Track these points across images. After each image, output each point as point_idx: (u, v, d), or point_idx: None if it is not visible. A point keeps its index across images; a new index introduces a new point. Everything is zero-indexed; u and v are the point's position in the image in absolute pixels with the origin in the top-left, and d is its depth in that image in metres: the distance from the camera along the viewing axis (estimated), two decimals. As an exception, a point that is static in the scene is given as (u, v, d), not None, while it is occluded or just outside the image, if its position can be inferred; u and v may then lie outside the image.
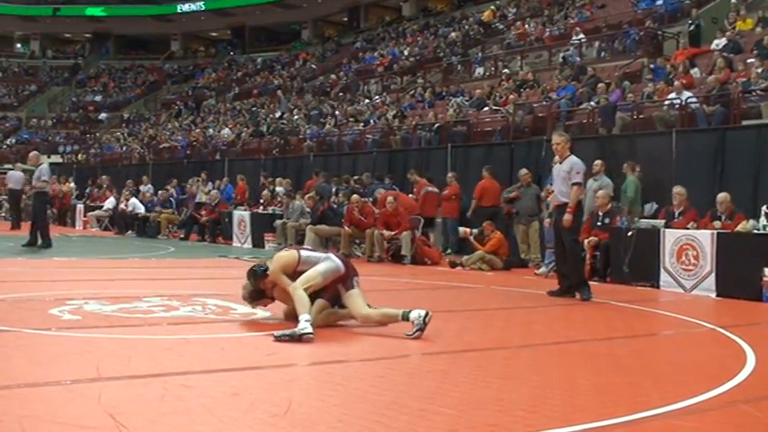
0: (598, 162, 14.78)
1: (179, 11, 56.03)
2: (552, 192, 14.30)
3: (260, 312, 7.83)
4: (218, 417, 4.23)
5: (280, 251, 7.87)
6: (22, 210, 24.54)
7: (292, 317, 7.17)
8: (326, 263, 7.32)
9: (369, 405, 4.61)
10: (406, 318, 7.02)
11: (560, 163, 10.88)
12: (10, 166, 31.92)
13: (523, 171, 15.99)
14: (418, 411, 4.47)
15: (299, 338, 6.49)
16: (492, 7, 35.94)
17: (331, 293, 7.35)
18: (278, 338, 6.46)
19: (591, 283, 12.73)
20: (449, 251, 17.59)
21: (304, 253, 7.54)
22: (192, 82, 52.82)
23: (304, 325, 6.59)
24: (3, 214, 33.90)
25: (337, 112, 29.82)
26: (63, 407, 4.37)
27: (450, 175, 18.35)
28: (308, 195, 18.86)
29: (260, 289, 7.49)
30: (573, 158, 10.73)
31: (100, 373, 5.09)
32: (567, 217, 10.46)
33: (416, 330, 6.86)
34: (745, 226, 11.43)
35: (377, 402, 4.66)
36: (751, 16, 21.78)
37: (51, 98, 55.58)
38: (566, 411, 4.59)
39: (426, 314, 6.94)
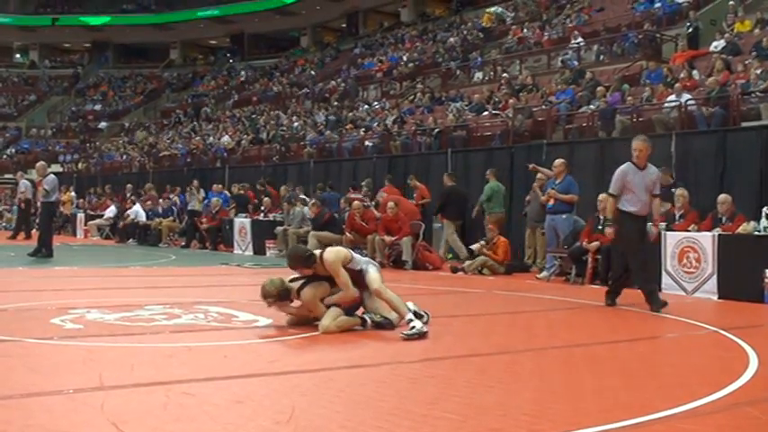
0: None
1: (177, 19, 56.10)
2: (552, 195, 14.43)
3: (262, 320, 7.83)
4: (222, 424, 4.22)
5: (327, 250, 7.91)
6: (33, 219, 24.38)
7: (303, 323, 7.27)
8: (373, 267, 7.74)
9: (372, 411, 4.61)
10: (409, 321, 7.27)
11: (641, 170, 9.97)
12: (10, 175, 31.93)
13: (539, 175, 15.94)
14: (421, 417, 4.47)
15: (425, 334, 7.10)
16: (488, 12, 35.87)
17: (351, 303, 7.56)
18: (408, 337, 7.00)
19: (592, 287, 12.81)
20: (450, 255, 17.55)
21: (353, 253, 7.87)
22: (191, 90, 52.86)
23: (418, 323, 7.16)
24: (3, 224, 33.94)
25: (332, 117, 29.90)
26: (66, 416, 4.37)
27: (445, 176, 18.28)
28: (312, 202, 18.84)
29: (288, 288, 7.52)
30: (654, 167, 10.15)
31: (102, 382, 5.09)
32: (655, 230, 10.22)
33: (409, 335, 7.07)
34: (746, 228, 11.43)
35: (380, 408, 4.66)
36: (749, 18, 21.80)
37: (51, 107, 55.61)
38: (569, 415, 4.59)
39: (424, 331, 7.21)
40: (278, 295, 7.51)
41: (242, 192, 23.45)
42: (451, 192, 17.85)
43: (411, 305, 7.54)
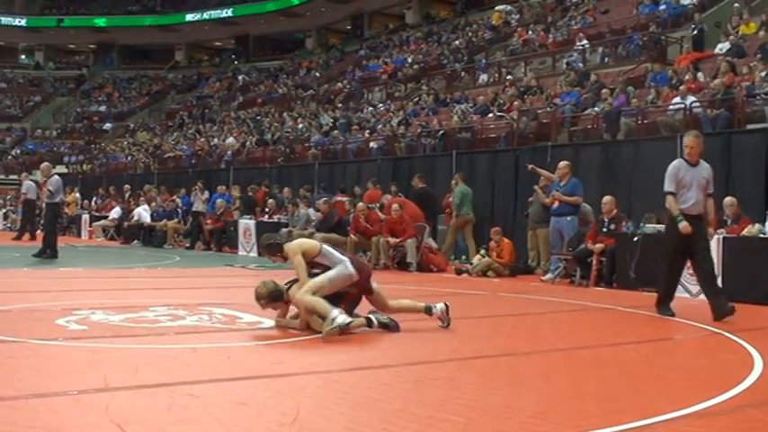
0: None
1: (184, 21, 56.21)
2: (557, 198, 14.43)
3: (266, 321, 7.83)
4: (226, 426, 4.22)
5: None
6: (38, 220, 24.42)
7: (308, 328, 7.25)
8: (339, 268, 7.40)
9: (377, 413, 4.61)
10: (428, 311, 7.66)
11: (693, 166, 9.42)
12: (15, 176, 31.98)
13: (546, 173, 15.91)
14: (426, 419, 4.46)
15: (346, 328, 6.96)
16: (498, 10, 35.76)
17: (349, 301, 7.46)
18: (327, 335, 6.85)
19: (597, 289, 12.80)
20: (464, 257, 17.54)
21: (326, 247, 7.64)
22: (196, 91, 52.93)
23: (340, 318, 6.92)
24: (9, 225, 34.00)
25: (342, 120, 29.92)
26: (70, 417, 4.37)
27: (453, 181, 18.34)
28: (322, 201, 18.85)
29: (280, 290, 7.52)
30: (706, 164, 9.60)
31: (107, 383, 5.09)
32: (711, 231, 9.69)
33: (330, 330, 6.99)
34: (750, 230, 11.41)
35: (384, 410, 4.65)
36: (754, 20, 21.79)
37: (56, 109, 55.77)
38: (573, 418, 4.58)
39: (346, 323, 7.10)
40: (269, 296, 7.51)
41: (250, 194, 23.46)
42: (422, 193, 18.15)
43: (379, 317, 7.54)
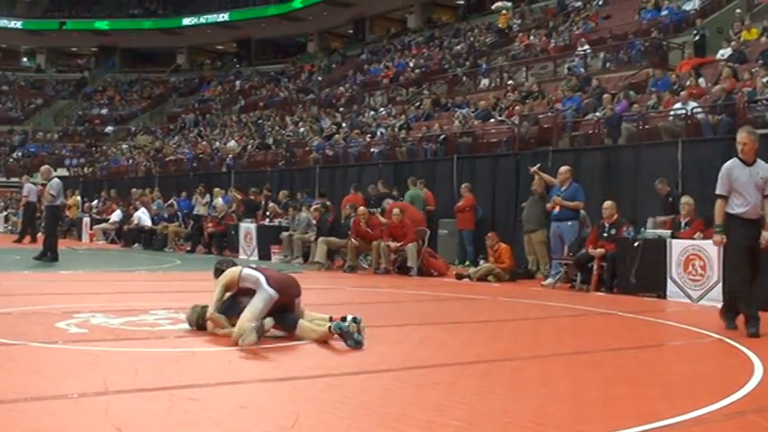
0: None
1: (186, 24, 56.29)
2: (558, 203, 14.43)
3: (268, 320, 7.82)
4: (226, 430, 4.22)
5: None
6: (39, 223, 24.43)
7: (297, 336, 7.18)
8: (260, 295, 7.13)
9: (377, 417, 4.60)
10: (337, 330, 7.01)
11: (748, 165, 8.58)
12: (16, 179, 32.01)
13: (536, 179, 15.98)
14: (426, 423, 4.46)
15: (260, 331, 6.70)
16: (503, 12, 35.67)
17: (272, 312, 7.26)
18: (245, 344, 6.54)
19: (598, 294, 12.80)
20: (467, 263, 17.55)
21: (246, 271, 7.46)
22: (197, 95, 52.96)
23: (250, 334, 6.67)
24: (10, 227, 34.00)
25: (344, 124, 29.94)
26: (70, 420, 4.37)
27: (463, 186, 18.43)
28: (313, 207, 18.90)
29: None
30: (764, 163, 8.71)
31: (107, 387, 5.09)
32: (765, 234, 8.47)
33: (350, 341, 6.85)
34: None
35: (385, 415, 4.65)
36: (756, 26, 21.81)
37: (57, 111, 55.77)
38: (573, 423, 4.58)
39: (355, 319, 6.97)
40: (197, 322, 7.58)
41: (251, 197, 23.44)
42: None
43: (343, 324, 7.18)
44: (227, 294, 7.53)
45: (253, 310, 7.02)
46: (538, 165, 15.86)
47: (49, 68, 60.29)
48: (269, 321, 7.03)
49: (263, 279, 7.25)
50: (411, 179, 19.37)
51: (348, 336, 6.90)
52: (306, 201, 21.05)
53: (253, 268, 7.58)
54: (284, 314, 7.25)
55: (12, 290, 11.24)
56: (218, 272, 7.74)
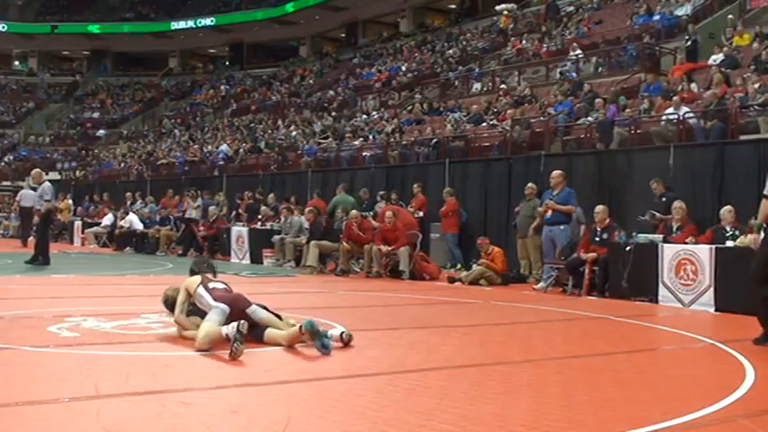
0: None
1: (175, 28, 56.27)
2: (550, 206, 14.45)
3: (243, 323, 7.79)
4: (217, 434, 4.21)
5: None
6: (31, 227, 24.44)
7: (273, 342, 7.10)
8: (214, 313, 7.05)
9: (368, 421, 4.60)
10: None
11: None
12: (8, 183, 31.94)
13: (529, 184, 15.99)
14: (417, 428, 4.46)
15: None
16: (505, 13, 35.58)
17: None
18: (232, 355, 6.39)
19: (590, 298, 12.81)
20: (459, 266, 17.54)
21: (201, 290, 7.35)
22: (189, 98, 52.92)
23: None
24: (1, 231, 33.90)
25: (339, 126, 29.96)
26: (61, 425, 4.36)
27: (445, 191, 18.43)
28: (307, 210, 18.89)
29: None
30: None
31: (98, 391, 5.08)
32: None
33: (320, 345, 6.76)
34: (743, 240, 11.43)
35: (376, 419, 4.64)
36: (748, 32, 21.85)
37: (49, 115, 55.67)
38: (565, 427, 4.58)
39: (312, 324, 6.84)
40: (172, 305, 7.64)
41: (251, 201, 23.39)
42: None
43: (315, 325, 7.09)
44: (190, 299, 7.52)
45: (210, 323, 6.96)
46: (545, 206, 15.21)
47: (41, 72, 60.16)
48: (244, 324, 6.85)
49: (210, 299, 7.22)
50: (342, 186, 20.92)
51: (318, 336, 6.77)
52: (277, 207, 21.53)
53: (208, 288, 7.41)
54: (250, 328, 7.09)
55: (3, 294, 11.21)
56: (192, 272, 7.78)
